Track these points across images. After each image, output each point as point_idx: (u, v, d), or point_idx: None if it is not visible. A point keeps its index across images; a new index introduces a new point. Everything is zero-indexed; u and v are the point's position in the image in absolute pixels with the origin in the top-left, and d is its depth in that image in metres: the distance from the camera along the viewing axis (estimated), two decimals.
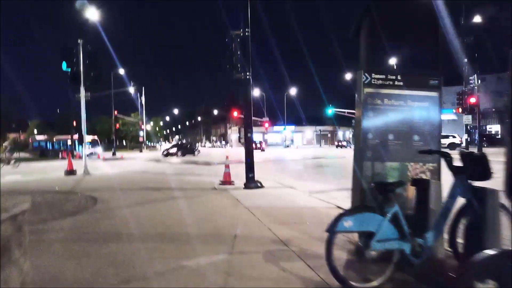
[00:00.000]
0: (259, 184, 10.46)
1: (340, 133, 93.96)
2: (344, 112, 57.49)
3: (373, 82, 4.48)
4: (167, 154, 38.86)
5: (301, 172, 17.83)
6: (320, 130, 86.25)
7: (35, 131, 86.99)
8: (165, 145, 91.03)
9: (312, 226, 5.71)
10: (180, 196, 9.00)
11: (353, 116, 59.15)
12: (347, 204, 8.23)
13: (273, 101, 69.38)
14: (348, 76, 56.23)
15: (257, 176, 10.94)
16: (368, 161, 4.41)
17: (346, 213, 3.23)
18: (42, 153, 53.25)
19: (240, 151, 48.53)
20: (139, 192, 9.95)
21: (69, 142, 48.71)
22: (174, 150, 40.40)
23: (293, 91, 68.14)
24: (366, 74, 4.46)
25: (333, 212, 7.01)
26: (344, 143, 62.63)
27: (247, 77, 10.41)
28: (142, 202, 8.12)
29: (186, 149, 42.29)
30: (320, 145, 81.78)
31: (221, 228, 5.59)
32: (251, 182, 10.37)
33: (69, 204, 7.93)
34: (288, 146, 71.21)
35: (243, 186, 10.31)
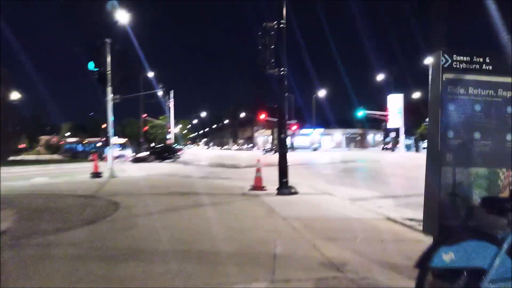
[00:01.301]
0: (293, 190, 9.56)
1: (370, 136, 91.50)
2: (375, 114, 55.67)
3: (454, 66, 3.51)
4: (137, 159, 31.94)
5: (334, 176, 16.75)
6: (349, 133, 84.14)
7: (67, 134, 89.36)
8: (193, 148, 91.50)
9: (365, 243, 4.75)
10: (207, 202, 8.21)
11: (383, 118, 57.37)
12: (396, 214, 7.24)
13: (300, 102, 68.01)
14: (380, 76, 54.41)
15: (276, 179, 10.08)
16: (448, 166, 3.44)
17: (444, 241, 2.28)
18: (73, 155, 54.27)
19: (267, 155, 47.55)
20: (164, 197, 9.26)
21: (99, 144, 49.34)
22: (145, 154, 33.61)
23: (322, 92, 66.48)
24: (445, 55, 3.50)
25: (384, 226, 6.04)
26: (389, 146, 59.40)
27: (282, 72, 9.54)
28: (166, 209, 7.38)
29: (162, 153, 35.24)
30: (349, 149, 79.73)
31: (257, 244, 4.72)
32: (284, 188, 9.48)
33: (88, 210, 7.29)
34: (316, 149, 69.71)
35: (276, 192, 9.44)
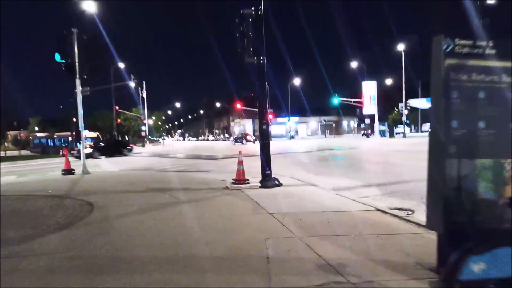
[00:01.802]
0: (276, 182, 9.30)
1: (344, 123, 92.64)
2: (351, 101, 56.15)
3: (456, 51, 3.26)
4: (78, 157, 25.18)
5: (314, 165, 16.63)
6: (324, 120, 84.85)
7: (36, 129, 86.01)
8: (168, 139, 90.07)
9: (360, 239, 4.53)
10: (188, 199, 7.83)
11: (358, 105, 58.02)
12: (383, 204, 7.10)
13: (276, 91, 67.77)
14: (354, 63, 54.77)
15: (258, 171, 9.83)
16: (452, 158, 3.21)
17: (473, 248, 2.02)
18: (43, 151, 52.30)
19: (245, 146, 47.29)
20: (142, 194, 8.80)
21: (70, 139, 47.69)
22: (89, 150, 27.85)
23: (296, 80, 66.44)
24: (447, 39, 3.24)
25: (375, 217, 5.80)
26: (368, 132, 59.79)
27: (261, 61, 9.17)
28: (146, 209, 6.95)
29: (109, 148, 31.58)
30: (325, 136, 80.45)
31: (247, 246, 4.41)
32: (268, 180, 9.20)
33: (61, 212, 6.78)
34: (292, 138, 69.95)
35: (259, 185, 9.15)
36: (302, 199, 7.51)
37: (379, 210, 6.27)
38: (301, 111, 78.28)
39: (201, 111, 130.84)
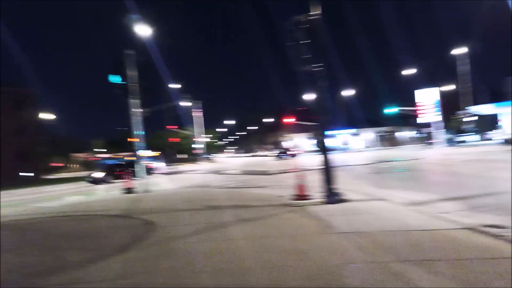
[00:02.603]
0: (341, 197, 8.61)
1: (402, 133, 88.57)
2: (409, 110, 53.45)
3: None
4: (94, 180, 26.26)
5: (377, 178, 15.58)
6: (380, 131, 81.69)
7: (100, 150, 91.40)
8: (221, 156, 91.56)
9: (463, 266, 3.76)
10: (249, 217, 7.39)
11: (416, 114, 55.00)
12: (471, 221, 6.11)
13: (328, 101, 66.50)
14: (410, 71, 52.30)
15: (318, 186, 9.16)
16: None
17: None
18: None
19: (298, 158, 46.44)
20: (201, 213, 8.52)
21: (131, 159, 49.80)
22: (100, 174, 27.03)
23: (349, 91, 64.69)
24: None
25: (470, 238, 4.77)
26: (431, 141, 54.03)
27: (319, 69, 8.66)
28: (206, 228, 6.60)
29: (123, 170, 28.05)
30: (382, 147, 77.31)
31: (324, 273, 3.83)
32: (332, 196, 8.53)
33: (122, 232, 6.64)
34: (346, 150, 67.89)
35: (323, 201, 8.51)
36: (374, 216, 6.77)
37: (470, 228, 5.39)
38: (355, 122, 76.07)
39: (252, 127, 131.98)
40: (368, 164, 25.02)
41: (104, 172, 27.29)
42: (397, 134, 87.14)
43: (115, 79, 14.30)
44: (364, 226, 5.95)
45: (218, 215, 7.96)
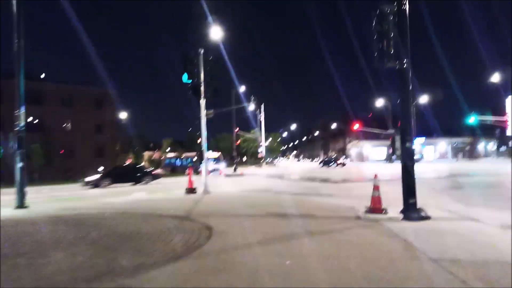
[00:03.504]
0: (423, 214, 7.45)
1: (480, 145, 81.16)
2: (490, 120, 48.53)
3: None
4: (88, 183, 23.85)
5: (459, 194, 13.82)
6: (456, 142, 75.57)
7: (168, 149, 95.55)
8: (284, 161, 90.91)
9: None
10: (317, 229, 6.58)
11: (499, 125, 49.73)
12: None
13: (397, 108, 62.77)
14: (495, 77, 47.46)
15: (391, 197, 8.03)
16: None
17: None
18: (173, 169, 57.18)
19: (363, 167, 44.13)
20: (263, 220, 7.86)
21: (195, 159, 51.10)
22: (95, 177, 24.75)
23: (423, 97, 60.43)
24: None
25: None
26: None
27: (405, 65, 7.60)
28: (268, 240, 5.92)
29: (124, 175, 26.25)
30: (457, 159, 71.37)
31: None
32: (412, 211, 7.42)
33: (178, 236, 6.19)
34: (418, 161, 63.52)
35: (401, 216, 7.42)
36: (467, 240, 5.60)
37: None
38: (427, 131, 71.04)
39: (317, 133, 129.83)
40: (441, 177, 22.75)
41: (99, 175, 25.21)
42: (476, 145, 79.97)
43: (186, 78, 14.25)
44: (459, 253, 4.86)
45: (282, 224, 7.25)
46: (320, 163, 61.36)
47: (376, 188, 7.88)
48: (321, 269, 4.32)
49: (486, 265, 4.29)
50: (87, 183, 23.95)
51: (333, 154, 74.67)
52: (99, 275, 4.18)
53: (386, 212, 7.69)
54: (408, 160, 7.72)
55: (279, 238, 5.95)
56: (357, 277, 4.00)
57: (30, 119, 44.23)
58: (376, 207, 7.78)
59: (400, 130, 7.85)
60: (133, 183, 25.44)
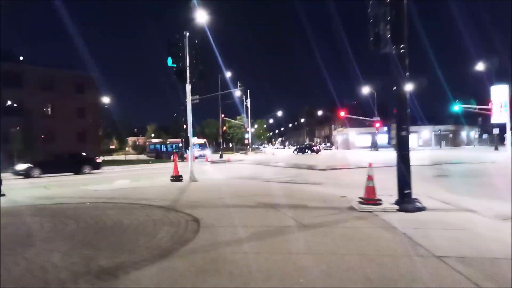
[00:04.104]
0: (418, 205, 7.22)
1: (463, 133, 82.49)
2: (474, 108, 49.11)
3: None
4: (20, 172, 21.79)
5: (447, 182, 13.75)
6: (440, 130, 76.50)
7: (152, 135, 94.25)
8: (270, 147, 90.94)
9: None
10: (310, 222, 6.25)
11: (482, 113, 50.39)
12: None
13: (381, 97, 63.02)
14: (480, 66, 47.78)
15: (383, 187, 7.79)
16: None
17: None
18: (157, 155, 56.41)
19: (349, 154, 44.30)
20: (253, 211, 7.51)
21: (180, 145, 50.37)
22: (23, 166, 22.33)
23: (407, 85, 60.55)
24: None
25: None
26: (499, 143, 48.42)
27: (401, 50, 7.25)
28: (260, 234, 5.56)
29: (58, 165, 23.72)
30: (440, 147, 72.35)
31: None
32: (408, 202, 7.18)
33: (164, 230, 5.78)
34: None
35: (397, 207, 7.17)
36: (469, 234, 5.36)
37: None
38: (411, 119, 71.57)
39: (302, 120, 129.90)
40: (427, 165, 22.77)
41: (30, 164, 22.65)
42: (459, 133, 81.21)
43: (171, 62, 13.66)
44: (463, 249, 4.60)
45: (274, 216, 6.90)
46: (294, 150, 62.61)
47: (370, 178, 7.58)
48: (319, 268, 3.98)
49: (495, 263, 4.03)
50: (16, 173, 21.77)
51: (307, 142, 76.63)
52: (75, 277, 3.75)
53: (380, 203, 7.42)
54: (403, 149, 7.44)
55: (271, 232, 5.61)
56: (359, 276, 3.68)
57: (9, 103, 42.76)
58: (370, 197, 7.49)
59: (396, 118, 7.53)
60: (72, 173, 23.49)
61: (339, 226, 5.94)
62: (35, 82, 44.36)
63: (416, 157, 33.72)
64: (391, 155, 39.54)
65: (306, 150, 59.41)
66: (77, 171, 23.81)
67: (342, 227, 5.88)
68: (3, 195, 11.21)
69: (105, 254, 4.55)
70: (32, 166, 22.44)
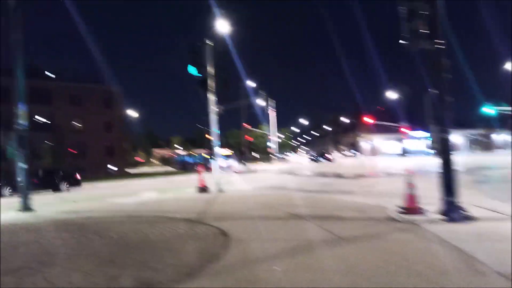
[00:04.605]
0: (465, 214, 6.58)
1: (497, 137, 79.12)
2: (509, 110, 46.85)
3: None
4: None
5: (487, 188, 12.85)
6: (471, 134, 73.67)
7: (177, 147, 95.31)
8: (294, 156, 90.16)
9: None
10: (347, 235, 5.75)
11: None
12: None
13: (409, 100, 61.37)
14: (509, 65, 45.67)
15: (420, 194, 7.17)
16: None
17: None
18: (183, 167, 56.72)
19: (377, 161, 42.75)
20: (283, 223, 7.06)
21: (206, 156, 50.49)
22: None
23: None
24: None
25: None
26: None
27: (439, 46, 6.72)
28: (294, 248, 5.12)
29: (40, 182, 20.02)
30: (472, 152, 69.57)
31: None
32: (454, 211, 6.56)
33: (190, 245, 5.44)
34: (432, 154, 62.02)
35: (442, 217, 6.57)
36: None
37: None
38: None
39: (327, 127, 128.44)
40: (465, 171, 21.60)
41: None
42: (491, 137, 77.98)
43: (193, 70, 13.49)
44: None
45: (306, 228, 6.44)
46: (309, 158, 63.29)
47: (410, 185, 7.02)
48: None
49: None
50: None
51: (321, 150, 77.30)
52: None
53: (423, 213, 6.83)
54: (446, 153, 6.84)
55: (305, 247, 5.15)
56: None
57: (40, 118, 44.14)
58: (412, 206, 6.92)
59: (436, 121, 6.95)
60: (50, 190, 21.23)
61: (382, 239, 5.41)
62: (64, 98, 45.62)
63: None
64: (420, 161, 38.22)
65: (319, 158, 59.44)
66: (55, 188, 21.61)
67: (384, 241, 5.35)
68: (32, 210, 11.20)
69: (129, 272, 4.22)
70: (0, 184, 20.03)
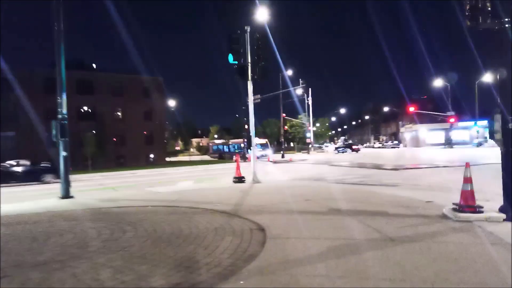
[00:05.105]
0: None
1: None
2: None
3: None
4: None
5: None
6: None
7: (215, 136, 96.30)
8: (332, 146, 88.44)
9: None
10: (396, 234, 5.19)
11: None
12: None
13: (457, 89, 58.09)
14: None
15: (477, 189, 6.40)
16: None
17: None
18: (220, 156, 57.25)
19: (419, 152, 41.31)
20: (324, 219, 6.58)
21: (242, 145, 50.47)
22: None
23: (487, 76, 55.13)
24: None
25: None
26: None
27: (507, 25, 5.90)
28: (337, 249, 4.65)
29: (18, 174, 20.55)
30: None
31: None
32: None
33: (226, 241, 5.12)
34: (480, 145, 58.60)
35: (504, 216, 5.84)
36: None
37: None
38: (489, 113, 65.06)
39: (366, 117, 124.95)
40: None
41: None
42: None
43: (232, 58, 13.17)
44: None
45: (350, 225, 5.93)
46: (335, 149, 64.15)
47: (468, 180, 6.29)
48: None
49: None
50: None
51: (346, 141, 77.24)
52: None
53: (482, 211, 6.11)
54: (511, 145, 6.05)
55: (351, 247, 4.67)
56: None
57: (84, 108, 45.78)
58: (468, 203, 6.21)
59: (501, 108, 6.16)
60: (32, 182, 20.76)
61: (436, 241, 4.82)
62: (106, 88, 46.99)
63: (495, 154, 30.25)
64: (468, 152, 36.08)
65: (346, 149, 60.02)
66: (36, 180, 21.01)
67: (440, 242, 4.75)
68: (72, 197, 11.42)
69: (160, 271, 3.95)
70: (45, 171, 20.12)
